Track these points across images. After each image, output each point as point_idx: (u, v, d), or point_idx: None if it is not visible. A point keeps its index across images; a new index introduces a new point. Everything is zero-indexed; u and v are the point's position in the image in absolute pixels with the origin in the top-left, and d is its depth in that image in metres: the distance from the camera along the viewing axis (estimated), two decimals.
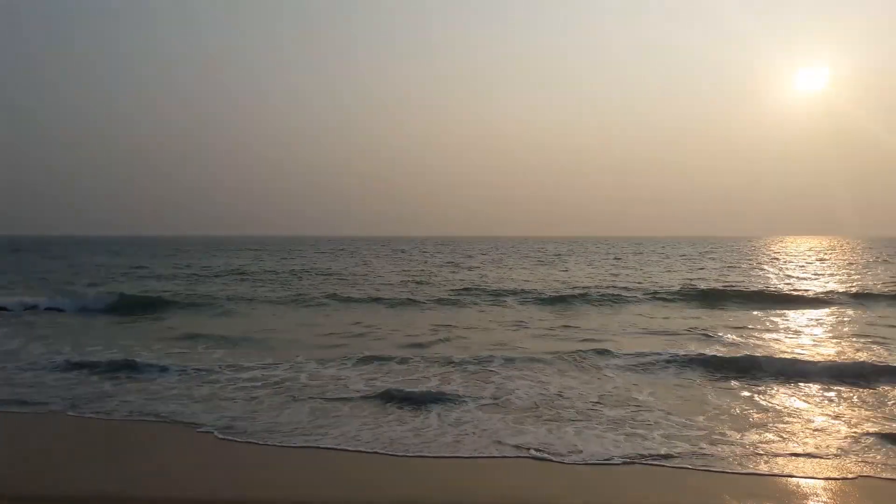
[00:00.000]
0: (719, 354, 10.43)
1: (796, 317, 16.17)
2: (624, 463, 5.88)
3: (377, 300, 19.28)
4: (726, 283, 24.49)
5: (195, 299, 19.10)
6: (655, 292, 21.01)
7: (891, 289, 22.01)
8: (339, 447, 6.29)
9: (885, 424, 7.01)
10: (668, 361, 10.02)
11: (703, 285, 23.27)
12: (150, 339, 12.64)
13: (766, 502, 5.03)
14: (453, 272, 32.31)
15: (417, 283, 25.71)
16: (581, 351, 10.94)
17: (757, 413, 7.47)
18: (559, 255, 54.78)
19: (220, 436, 6.62)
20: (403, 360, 10.25)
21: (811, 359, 10.15)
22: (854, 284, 24.49)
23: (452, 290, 22.00)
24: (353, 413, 7.44)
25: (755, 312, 16.85)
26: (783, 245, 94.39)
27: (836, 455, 6.07)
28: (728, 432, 6.73)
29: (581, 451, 6.14)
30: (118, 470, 5.67)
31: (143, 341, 12.28)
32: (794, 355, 10.53)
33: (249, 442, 6.46)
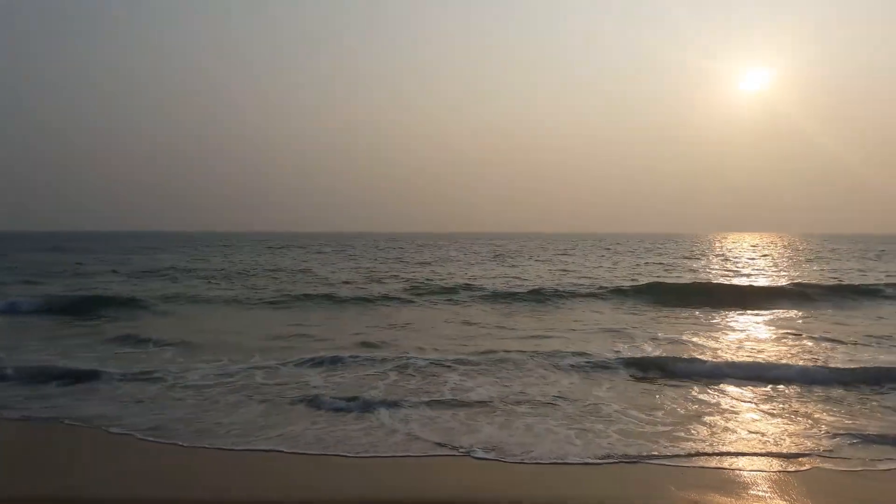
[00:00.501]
0: (661, 355, 10.40)
1: (738, 314, 16.61)
2: (583, 463, 5.92)
3: (328, 297, 18.95)
4: (672, 279, 25.09)
5: (134, 297, 18.34)
6: (602, 288, 21.14)
7: (830, 282, 22.90)
8: (275, 448, 6.15)
9: (834, 420, 7.28)
10: (615, 361, 9.99)
11: (647, 280, 23.60)
12: (84, 340, 12.12)
13: (715, 493, 5.17)
14: (405, 269, 32.16)
15: (373, 280, 25.44)
16: (533, 350, 10.81)
17: (708, 410, 7.64)
18: (511, 251, 55.31)
19: (140, 436, 6.47)
20: (353, 359, 10.08)
21: (750, 359, 10.32)
22: (794, 280, 25.48)
23: (403, 287, 21.82)
24: (299, 415, 7.30)
25: (696, 310, 16.95)
26: (728, 241, 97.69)
27: (786, 448, 6.28)
28: (681, 429, 6.87)
29: (532, 450, 6.16)
30: (22, 473, 5.46)
31: (77, 343, 11.78)
32: (734, 355, 10.77)
33: (174, 444, 6.28)
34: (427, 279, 25.07)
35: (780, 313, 16.50)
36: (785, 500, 5.08)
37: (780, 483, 5.43)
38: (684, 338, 12.33)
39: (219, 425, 6.86)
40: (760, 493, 5.21)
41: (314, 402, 7.71)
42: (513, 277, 26.23)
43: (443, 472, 5.68)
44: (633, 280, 24.09)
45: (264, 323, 14.87)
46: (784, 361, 9.96)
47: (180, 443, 6.32)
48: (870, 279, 24.58)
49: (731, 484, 5.40)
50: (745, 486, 5.35)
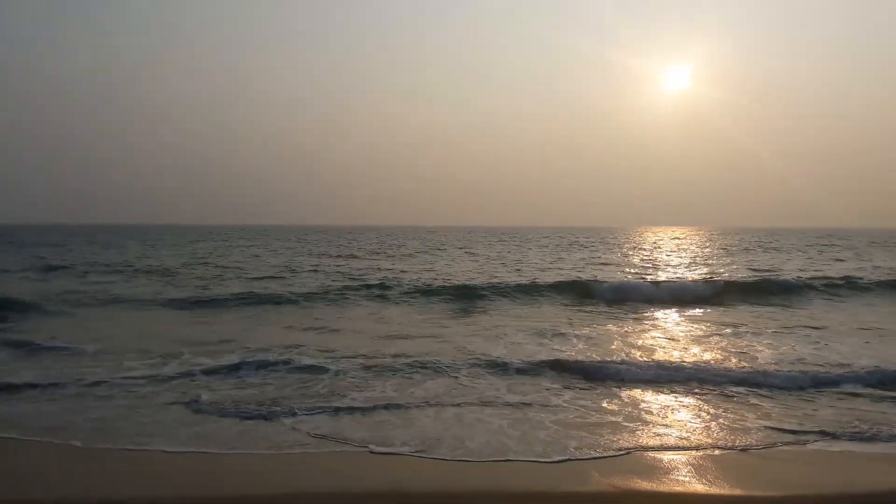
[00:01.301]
0: (578, 359, 10.04)
1: (662, 312, 17.16)
2: (504, 461, 6.05)
3: (244, 297, 17.94)
4: (604, 275, 25.76)
5: (37, 297, 17.17)
6: (536, 283, 21.01)
7: (749, 279, 23.96)
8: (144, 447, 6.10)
9: (750, 414, 7.73)
10: (532, 363, 9.70)
11: (579, 276, 23.83)
12: None
13: (636, 478, 5.44)
14: (336, 263, 31.72)
15: (293, 273, 24.97)
16: (454, 351, 10.62)
17: (630, 408, 7.97)
18: (443, 244, 55.54)
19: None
20: (256, 362, 9.59)
21: (668, 358, 10.59)
22: (711, 273, 26.67)
23: (328, 284, 21.15)
24: (182, 417, 7.15)
25: (624, 307, 17.19)
26: (651, 235, 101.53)
27: (702, 437, 6.66)
28: (606, 425, 7.17)
29: (450, 445, 6.28)
30: None
31: None
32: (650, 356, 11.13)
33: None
34: (353, 274, 24.83)
35: (707, 310, 16.85)
36: (702, 483, 5.39)
37: (698, 467, 5.76)
38: (609, 337, 12.34)
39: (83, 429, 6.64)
40: (679, 477, 5.50)
41: (206, 408, 7.44)
42: (441, 273, 26.26)
43: (341, 466, 5.71)
44: (561, 276, 23.94)
45: (163, 325, 14.03)
46: (701, 359, 10.23)
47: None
48: (790, 274, 25.96)
49: (651, 469, 5.69)
50: (665, 471, 5.65)
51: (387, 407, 7.49)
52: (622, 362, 9.72)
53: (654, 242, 68.03)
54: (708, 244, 62.14)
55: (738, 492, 5.22)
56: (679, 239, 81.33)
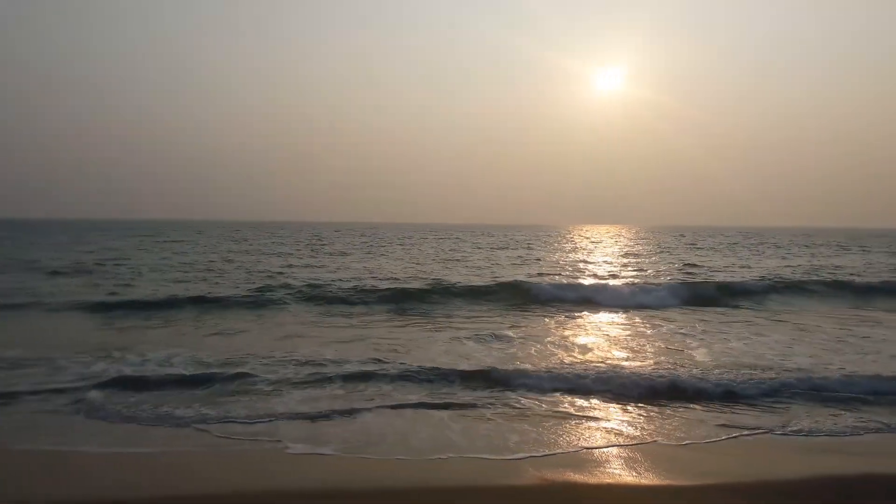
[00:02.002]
0: (497, 366, 9.43)
1: (591, 314, 17.27)
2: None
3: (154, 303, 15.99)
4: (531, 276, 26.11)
5: None
6: (473, 287, 19.97)
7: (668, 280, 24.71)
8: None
9: (672, 411, 8.04)
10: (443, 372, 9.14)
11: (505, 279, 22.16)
12: None
13: (568, 471, 5.62)
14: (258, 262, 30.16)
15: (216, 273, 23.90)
16: (359, 360, 9.79)
17: (560, 410, 8.17)
18: (383, 241, 55.33)
19: None
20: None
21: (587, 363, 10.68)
22: (636, 274, 27.47)
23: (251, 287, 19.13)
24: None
25: (550, 309, 16.66)
26: (585, 233, 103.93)
27: (628, 431, 6.90)
28: (536, 428, 7.34)
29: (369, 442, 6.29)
30: None
31: None
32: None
33: None
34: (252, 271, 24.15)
35: (649, 312, 16.83)
36: (632, 474, 5.62)
37: (627, 459, 6.02)
38: (534, 341, 11.82)
39: None
40: (610, 470, 5.72)
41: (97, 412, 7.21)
42: (368, 274, 25.51)
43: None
44: (494, 279, 22.37)
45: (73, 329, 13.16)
46: (622, 363, 10.45)
47: None
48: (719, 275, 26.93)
49: (584, 462, 5.91)
50: (596, 464, 5.87)
51: (293, 412, 7.32)
52: (535, 370, 9.31)
53: (591, 240, 69.67)
54: (643, 242, 64.02)
55: (664, 482, 5.46)
56: (615, 237, 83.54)
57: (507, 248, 47.99)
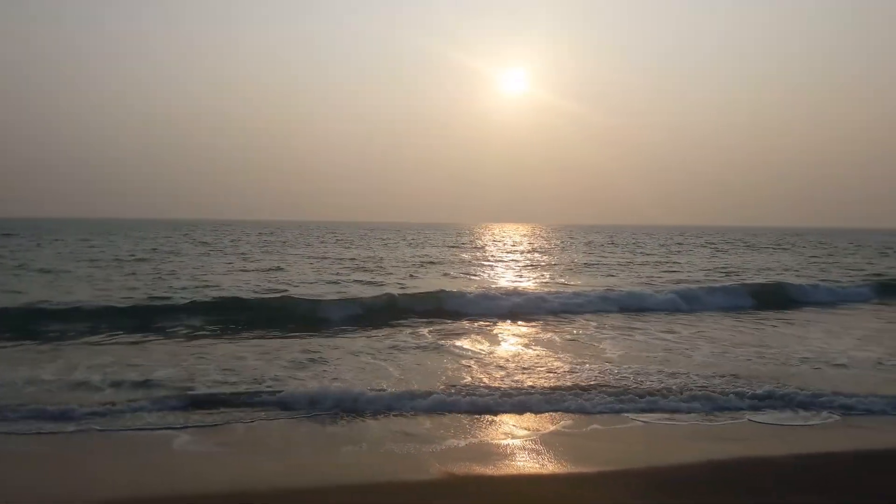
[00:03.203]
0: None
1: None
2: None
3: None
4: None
5: None
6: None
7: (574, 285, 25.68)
8: None
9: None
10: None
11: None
12: None
13: (473, 464, 5.86)
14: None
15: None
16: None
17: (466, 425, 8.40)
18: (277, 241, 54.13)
19: None
20: None
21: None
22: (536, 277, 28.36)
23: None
24: None
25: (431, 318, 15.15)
26: (495, 231, 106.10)
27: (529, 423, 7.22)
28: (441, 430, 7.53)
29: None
30: None
31: None
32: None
33: None
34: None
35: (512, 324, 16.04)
36: (536, 464, 5.93)
37: (531, 450, 6.32)
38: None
39: None
40: (514, 461, 6.02)
41: None
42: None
43: None
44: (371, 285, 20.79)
45: None
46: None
47: None
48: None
49: (488, 455, 6.17)
50: (501, 456, 6.15)
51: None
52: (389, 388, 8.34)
53: (492, 238, 71.11)
54: (544, 241, 65.91)
55: (568, 470, 5.79)
56: (517, 235, 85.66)
57: (399, 245, 48.07)
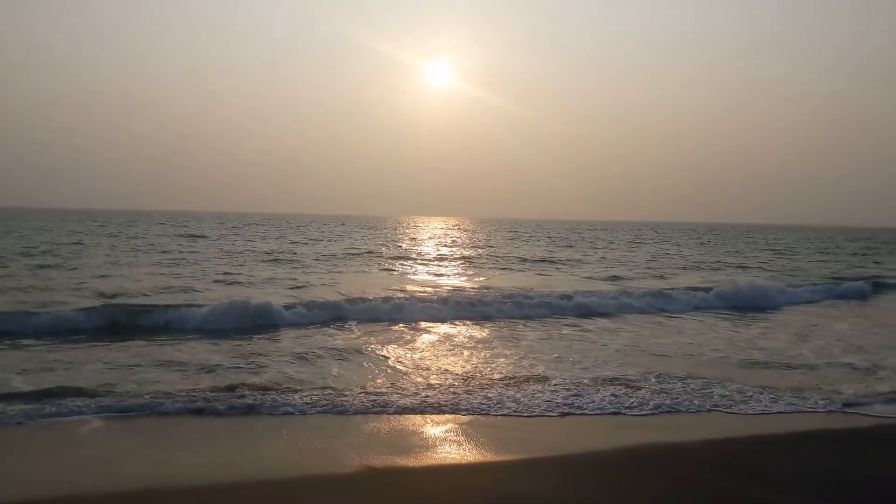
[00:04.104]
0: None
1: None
2: None
3: None
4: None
5: None
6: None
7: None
8: None
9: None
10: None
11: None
12: None
13: (393, 455, 5.88)
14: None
15: None
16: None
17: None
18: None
19: None
20: None
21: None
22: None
23: None
24: None
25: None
26: (420, 223, 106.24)
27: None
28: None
29: None
30: None
31: None
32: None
33: None
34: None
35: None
36: (457, 453, 6.02)
37: (451, 440, 6.43)
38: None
39: None
40: (436, 452, 6.11)
41: None
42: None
43: None
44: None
45: None
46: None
47: None
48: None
49: (409, 447, 6.22)
50: (421, 447, 6.21)
51: None
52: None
53: (415, 231, 71.33)
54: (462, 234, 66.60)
55: (490, 458, 5.91)
56: (444, 229, 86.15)
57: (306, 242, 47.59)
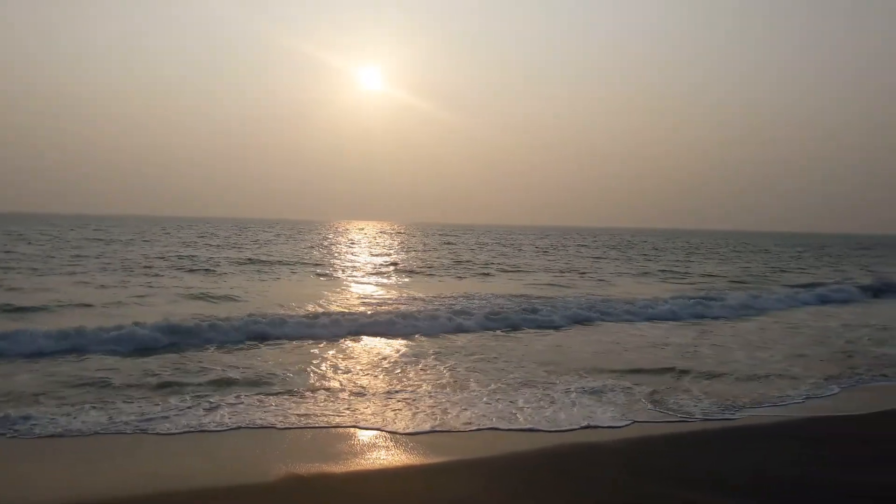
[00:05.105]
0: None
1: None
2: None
3: None
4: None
5: None
6: None
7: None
8: None
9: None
10: None
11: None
12: None
13: (321, 463, 5.91)
14: None
15: None
16: None
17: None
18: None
19: None
20: None
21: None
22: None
23: None
24: None
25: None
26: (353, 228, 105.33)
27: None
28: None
29: None
30: None
31: None
32: None
33: None
34: None
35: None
36: (383, 459, 6.09)
37: (378, 446, 6.49)
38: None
39: None
40: (362, 458, 6.17)
41: None
42: None
43: None
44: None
45: None
46: None
47: None
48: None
49: (336, 454, 6.25)
50: (348, 454, 6.26)
51: None
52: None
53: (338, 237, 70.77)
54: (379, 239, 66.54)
55: (413, 463, 6.03)
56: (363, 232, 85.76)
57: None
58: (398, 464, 6.08)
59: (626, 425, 7.37)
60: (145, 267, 26.16)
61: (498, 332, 13.77)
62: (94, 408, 7.36)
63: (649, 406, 8.15)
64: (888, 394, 9.22)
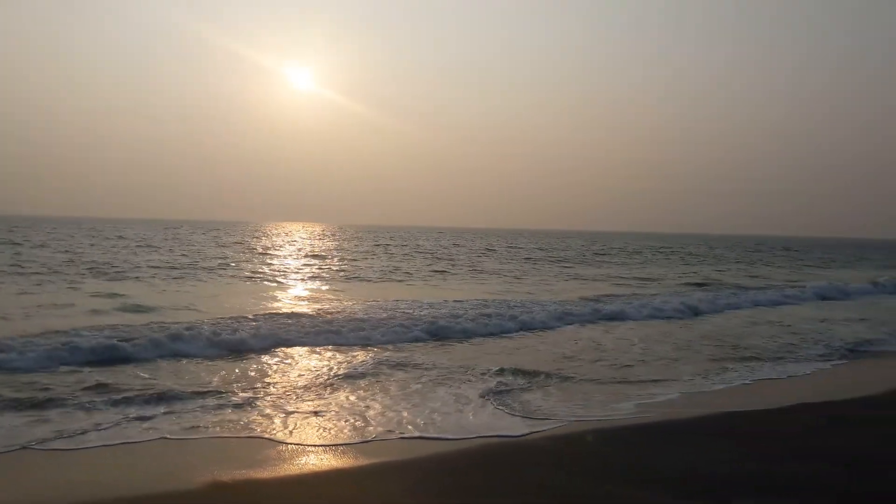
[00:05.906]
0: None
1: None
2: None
3: None
4: None
5: None
6: None
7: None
8: None
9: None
10: None
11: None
12: None
13: (248, 469, 5.86)
14: None
15: None
16: None
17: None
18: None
19: None
20: None
21: None
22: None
23: None
24: None
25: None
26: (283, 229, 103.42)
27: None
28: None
29: None
30: None
31: None
32: None
33: None
34: None
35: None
36: (315, 462, 6.07)
37: (305, 451, 6.49)
38: None
39: None
40: (291, 463, 6.14)
41: None
42: None
43: None
44: None
45: None
46: None
47: None
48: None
49: (265, 459, 6.19)
50: (276, 459, 6.22)
51: None
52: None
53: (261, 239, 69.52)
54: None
55: (344, 466, 6.02)
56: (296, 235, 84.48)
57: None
58: (327, 468, 6.06)
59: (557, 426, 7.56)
60: (53, 272, 23.67)
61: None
62: None
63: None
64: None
